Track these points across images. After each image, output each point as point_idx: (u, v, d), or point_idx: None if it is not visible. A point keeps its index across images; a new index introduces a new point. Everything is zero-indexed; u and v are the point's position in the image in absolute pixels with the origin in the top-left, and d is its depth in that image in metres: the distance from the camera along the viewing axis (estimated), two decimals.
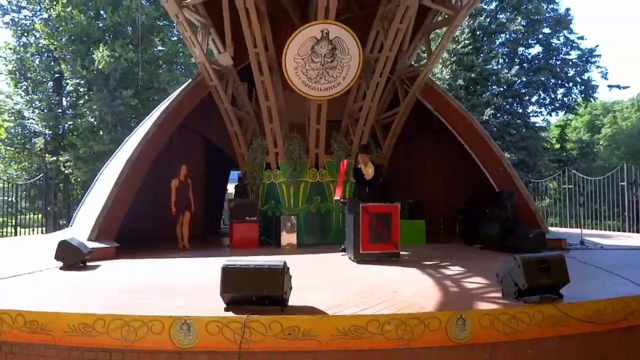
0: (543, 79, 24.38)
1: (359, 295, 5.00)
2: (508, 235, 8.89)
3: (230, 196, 16.75)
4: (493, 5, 24.60)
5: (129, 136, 12.51)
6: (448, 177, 12.83)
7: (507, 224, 9.04)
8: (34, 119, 20.70)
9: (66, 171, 19.71)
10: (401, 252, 7.87)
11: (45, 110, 20.45)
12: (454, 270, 6.73)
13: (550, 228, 12.07)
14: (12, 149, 21.18)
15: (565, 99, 25.57)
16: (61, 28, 19.87)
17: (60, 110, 20.79)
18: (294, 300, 4.51)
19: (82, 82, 20.14)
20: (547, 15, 24.69)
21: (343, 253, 8.24)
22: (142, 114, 19.10)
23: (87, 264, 7.37)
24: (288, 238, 9.86)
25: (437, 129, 11.61)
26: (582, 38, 27.40)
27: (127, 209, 9.24)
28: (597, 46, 26.91)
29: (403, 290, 5.27)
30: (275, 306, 4.26)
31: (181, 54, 22.13)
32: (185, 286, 5.54)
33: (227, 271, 4.29)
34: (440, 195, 12.48)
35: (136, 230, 11.01)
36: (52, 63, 20.90)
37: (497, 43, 24.84)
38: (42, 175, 17.02)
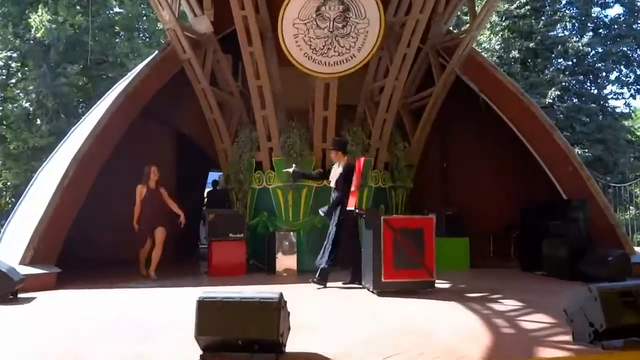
0: (625, 49, 24.29)
1: (380, 339, 4.97)
2: (580, 258, 8.86)
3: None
4: None
5: (75, 126, 12.55)
6: (499, 180, 12.77)
7: (578, 243, 9.02)
8: None
9: None
10: (437, 281, 7.81)
11: None
12: (508, 305, 6.66)
13: (636, 248, 11.99)
14: None
15: None
16: None
17: None
18: (292, 345, 4.48)
19: (14, 55, 20.32)
20: None
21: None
22: (93, 97, 19.21)
23: (19, 295, 7.37)
24: (285, 262, 9.86)
25: (483, 115, 11.56)
26: None
27: (71, 222, 9.25)
28: None
29: (440, 332, 5.23)
30: (267, 353, 4.22)
31: (144, 18, 22.30)
32: (149, 327, 5.53)
33: (204, 306, 4.27)
34: (489, 205, 12.43)
35: (84, 251, 11.03)
36: None
37: (564, 2, 24.81)
38: None
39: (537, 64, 23.51)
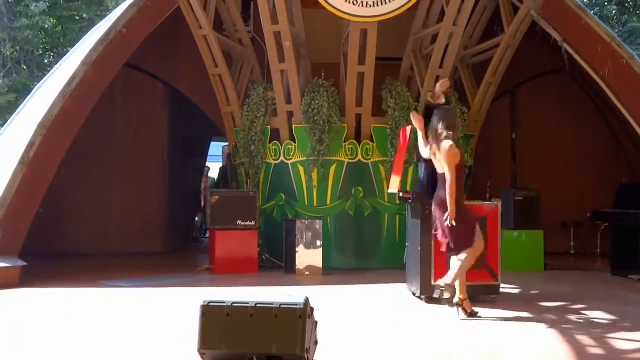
0: None
1: (434, 355, 5.05)
2: None
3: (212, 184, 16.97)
4: None
5: (42, 82, 12.71)
6: (584, 158, 12.70)
7: None
8: None
9: None
10: (502, 286, 7.82)
11: None
12: (596, 319, 6.66)
13: None
14: None
15: None
16: None
17: None
18: None
19: None
20: None
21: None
22: (64, 44, 19.38)
23: None
24: (308, 257, 9.92)
25: (566, 74, 11.44)
26: None
27: (39, 203, 9.40)
28: None
29: (508, 352, 5.27)
30: None
31: None
32: (138, 337, 5.63)
33: (209, 313, 4.33)
34: (570, 189, 12.37)
35: (57, 240, 11.23)
36: None
37: None
38: None
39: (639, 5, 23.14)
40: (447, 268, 7.01)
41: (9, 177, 9.20)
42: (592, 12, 16.16)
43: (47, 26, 20.31)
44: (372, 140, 10.67)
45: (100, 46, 10.43)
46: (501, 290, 7.75)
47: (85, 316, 6.74)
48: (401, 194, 8.45)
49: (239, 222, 10.03)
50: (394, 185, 8.40)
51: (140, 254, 11.92)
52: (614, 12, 22.83)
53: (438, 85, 8.17)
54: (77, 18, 20.63)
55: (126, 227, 12.57)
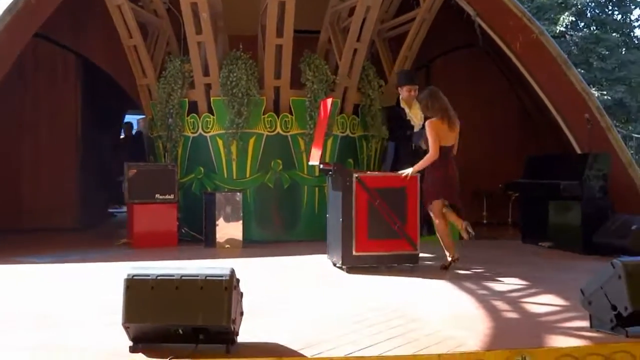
0: None
1: (353, 324, 5.08)
2: (598, 226, 9.11)
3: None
4: None
5: None
6: (495, 128, 13.01)
7: (595, 207, 9.24)
8: None
9: None
10: (421, 254, 7.98)
11: None
12: (509, 284, 6.90)
13: None
14: None
15: None
16: None
17: None
18: (246, 334, 4.56)
19: None
20: None
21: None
22: None
23: None
24: (228, 230, 9.92)
25: (479, 48, 11.68)
26: None
27: None
28: None
29: (427, 316, 5.39)
30: (216, 344, 4.28)
31: None
32: (60, 312, 5.53)
33: (133, 285, 4.27)
34: (482, 161, 12.67)
35: None
36: None
37: None
38: None
39: None
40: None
41: None
42: None
43: None
44: (290, 113, 10.70)
45: (7, 15, 10.08)
46: (421, 257, 7.94)
47: (2, 289, 6.60)
48: (322, 166, 8.51)
49: (157, 195, 9.96)
50: (315, 157, 8.45)
51: (54, 230, 11.68)
52: None
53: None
54: None
55: (38, 203, 12.28)
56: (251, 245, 9.94)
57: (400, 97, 9.68)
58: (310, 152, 9.19)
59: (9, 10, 10.15)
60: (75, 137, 12.84)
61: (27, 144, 12.42)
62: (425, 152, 7.96)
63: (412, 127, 8.74)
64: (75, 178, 12.73)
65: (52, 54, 12.54)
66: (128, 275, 4.32)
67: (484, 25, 11.42)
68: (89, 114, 13.25)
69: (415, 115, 8.51)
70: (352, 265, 7.62)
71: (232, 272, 4.36)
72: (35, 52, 11.95)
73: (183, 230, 10.42)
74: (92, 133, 13.57)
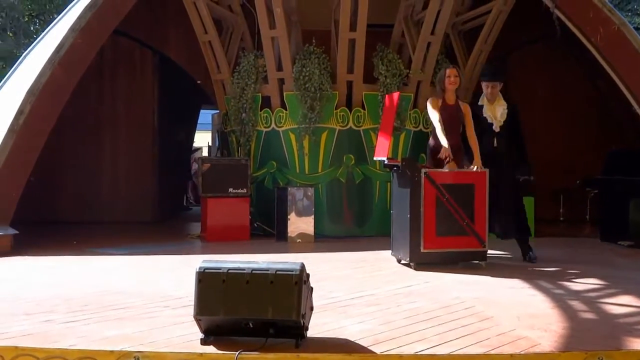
0: None
1: (422, 321, 5.06)
2: None
3: (202, 153, 16.98)
4: None
5: (29, 49, 12.59)
6: (574, 123, 12.73)
7: None
8: None
9: None
10: (490, 252, 7.90)
11: None
12: (586, 283, 6.74)
13: None
14: None
15: None
16: None
17: None
18: (315, 328, 4.58)
19: None
20: None
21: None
22: (50, 11, 19.19)
23: None
24: (300, 225, 9.98)
25: (557, 41, 11.41)
26: None
27: (30, 171, 9.39)
28: None
29: (498, 315, 5.31)
30: (286, 338, 4.31)
31: None
32: (133, 302, 5.65)
33: (205, 279, 4.34)
34: (560, 157, 12.42)
35: (47, 208, 11.24)
36: None
37: None
38: None
39: None
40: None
41: None
42: None
43: None
44: (363, 108, 10.71)
45: (88, 12, 10.30)
46: (494, 256, 7.84)
47: (79, 280, 6.77)
48: (386, 161, 8.43)
49: (230, 189, 10.07)
50: (381, 153, 8.37)
51: (131, 223, 11.96)
52: None
53: None
54: None
55: (116, 195, 12.62)
56: (322, 240, 9.99)
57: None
58: (375, 146, 9.13)
59: (89, 7, 10.38)
60: (152, 132, 13.11)
61: (106, 139, 12.78)
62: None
63: (490, 125, 8.45)
64: (153, 172, 12.99)
65: (131, 49, 12.83)
66: (200, 268, 4.39)
67: (562, 17, 11.15)
68: (165, 108, 13.50)
69: (493, 113, 8.23)
70: (420, 262, 7.57)
71: (302, 266, 4.39)
72: (114, 48, 12.23)
73: (255, 225, 10.53)
74: (169, 128, 13.83)
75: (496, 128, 8.25)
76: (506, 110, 8.27)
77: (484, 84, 8.42)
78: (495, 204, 7.91)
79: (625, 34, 10.81)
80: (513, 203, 8.21)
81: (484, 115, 8.28)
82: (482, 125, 8.23)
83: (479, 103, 8.37)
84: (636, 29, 18.90)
